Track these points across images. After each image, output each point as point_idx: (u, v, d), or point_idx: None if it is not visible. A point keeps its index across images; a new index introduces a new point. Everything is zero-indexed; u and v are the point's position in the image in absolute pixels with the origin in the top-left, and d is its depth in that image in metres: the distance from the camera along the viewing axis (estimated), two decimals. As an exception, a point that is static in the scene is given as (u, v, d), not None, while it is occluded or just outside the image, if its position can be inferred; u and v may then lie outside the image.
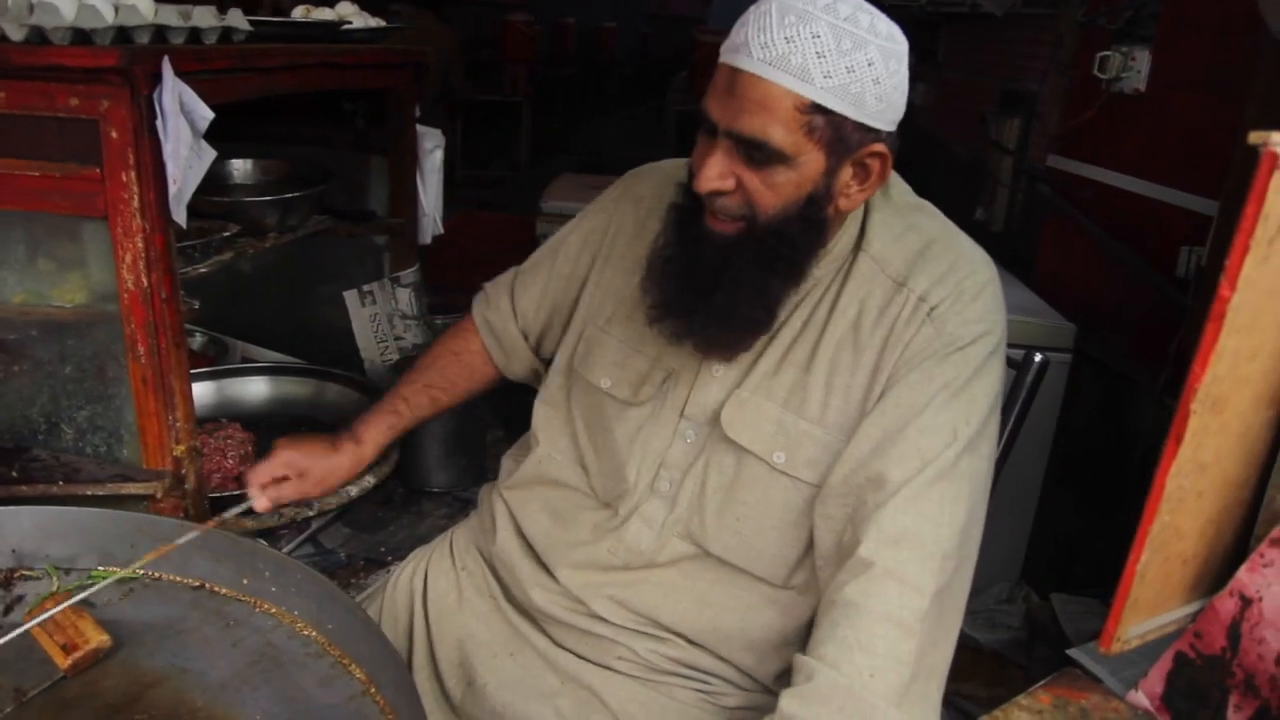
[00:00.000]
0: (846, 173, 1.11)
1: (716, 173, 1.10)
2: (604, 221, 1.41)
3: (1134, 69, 2.81)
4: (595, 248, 1.40)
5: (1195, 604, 1.04)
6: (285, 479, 1.40)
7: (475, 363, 1.55)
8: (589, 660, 1.29)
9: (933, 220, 1.23)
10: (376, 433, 1.47)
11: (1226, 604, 0.99)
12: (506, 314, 1.50)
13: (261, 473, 1.38)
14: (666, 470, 1.27)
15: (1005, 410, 1.54)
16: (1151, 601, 0.98)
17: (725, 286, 1.14)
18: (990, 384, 1.15)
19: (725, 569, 1.25)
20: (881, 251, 1.18)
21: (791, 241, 1.12)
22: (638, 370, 1.29)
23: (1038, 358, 1.52)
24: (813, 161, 1.08)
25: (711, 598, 1.25)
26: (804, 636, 1.23)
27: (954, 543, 1.10)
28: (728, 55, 1.08)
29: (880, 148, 1.11)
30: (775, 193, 1.10)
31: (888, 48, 1.06)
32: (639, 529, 1.27)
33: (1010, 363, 1.58)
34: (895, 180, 1.25)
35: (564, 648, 1.31)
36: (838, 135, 1.07)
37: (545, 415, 1.41)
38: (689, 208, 1.18)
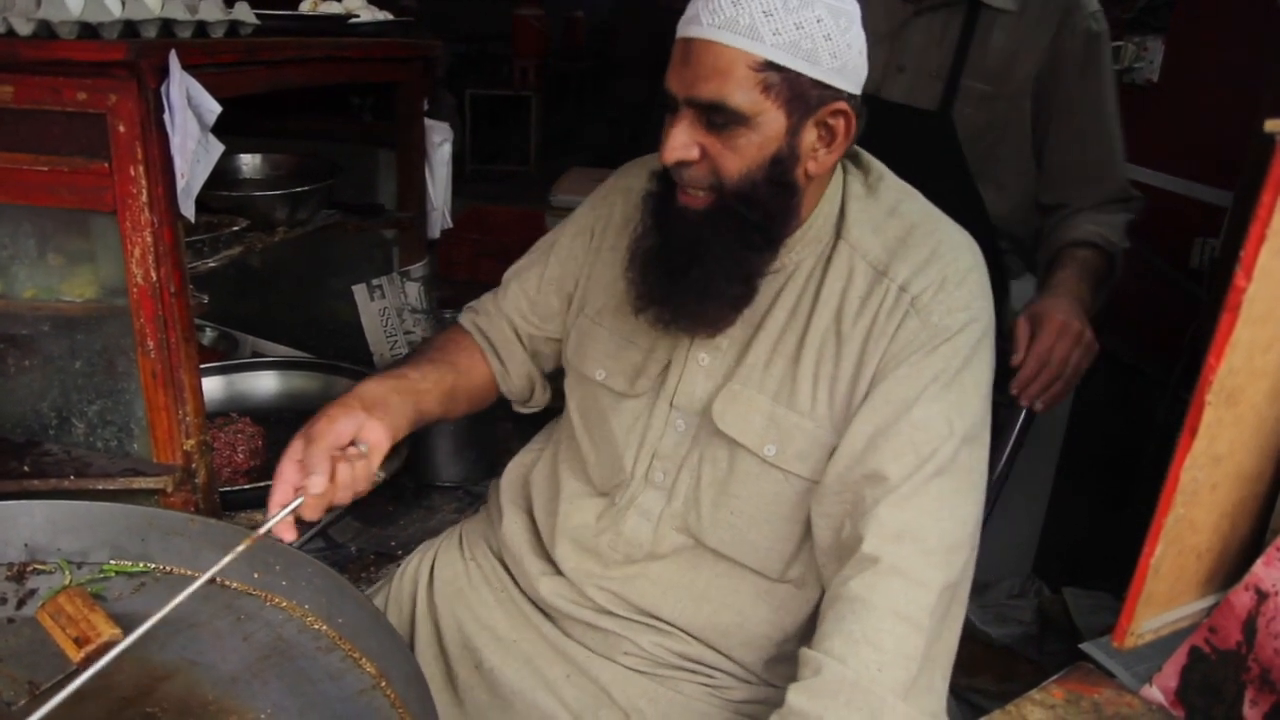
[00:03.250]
0: (810, 134, 1.11)
1: (680, 143, 1.10)
2: (593, 217, 1.41)
3: (1147, 59, 2.80)
4: (587, 242, 1.40)
5: (1210, 598, 1.04)
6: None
7: (473, 364, 1.44)
8: (596, 653, 1.29)
9: (914, 205, 1.22)
10: (368, 380, 1.28)
11: (1242, 598, 0.98)
12: (498, 318, 1.46)
13: (279, 491, 1.12)
14: (660, 461, 1.27)
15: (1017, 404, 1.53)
16: (1166, 595, 0.98)
17: (700, 261, 1.14)
18: (982, 372, 1.15)
19: (722, 563, 1.25)
20: (860, 239, 1.18)
21: (762, 207, 1.12)
22: (632, 362, 1.30)
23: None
24: (773, 121, 1.09)
25: (709, 593, 1.26)
26: (802, 631, 1.23)
27: (959, 535, 1.10)
28: (681, 29, 1.10)
29: (842, 105, 1.11)
30: (739, 155, 1.10)
31: (836, 6, 1.07)
32: (637, 521, 1.28)
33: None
34: (875, 165, 1.25)
35: (572, 638, 1.31)
36: (795, 93, 1.08)
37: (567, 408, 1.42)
38: (662, 192, 1.19)
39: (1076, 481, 2.78)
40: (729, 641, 1.25)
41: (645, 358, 1.29)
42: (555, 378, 1.49)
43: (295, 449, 1.14)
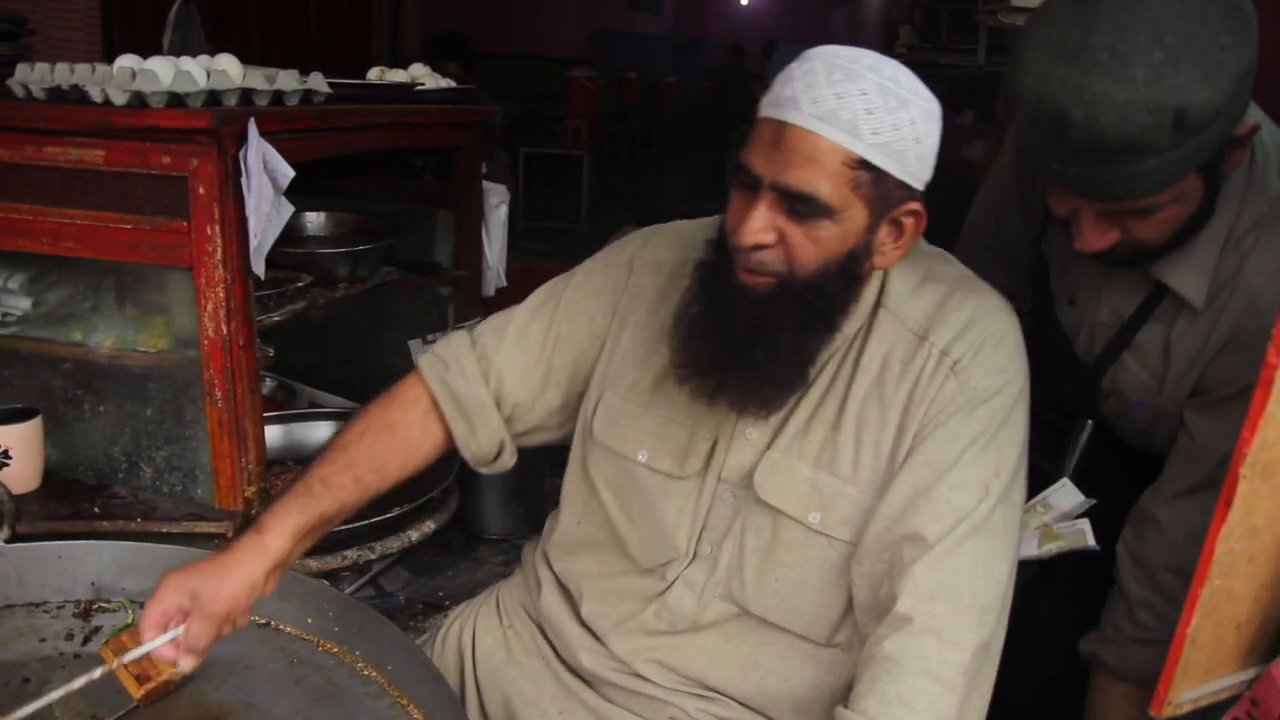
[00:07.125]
0: (884, 230, 1.12)
1: (760, 225, 1.09)
2: (617, 282, 1.34)
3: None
4: (611, 308, 1.33)
5: (1251, 670, 1.03)
6: (187, 613, 1.06)
7: (414, 437, 1.31)
8: (642, 717, 1.29)
9: (950, 269, 1.23)
10: (284, 520, 1.13)
11: (1284, 672, 0.98)
12: (475, 378, 1.32)
13: (153, 614, 1.05)
14: (708, 533, 1.26)
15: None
16: (1204, 666, 0.97)
17: (763, 344, 1.13)
18: (1018, 432, 1.15)
19: (768, 629, 1.24)
20: (900, 305, 1.18)
21: (829, 297, 1.12)
22: (678, 441, 1.26)
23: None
24: (856, 217, 1.08)
25: (756, 660, 1.25)
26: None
27: (991, 596, 1.10)
28: (773, 110, 1.08)
29: (917, 206, 1.11)
30: (818, 247, 1.09)
31: (927, 109, 1.08)
32: (681, 592, 1.26)
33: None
34: None
35: (616, 704, 1.30)
36: (881, 192, 1.08)
37: (571, 480, 1.38)
38: (718, 264, 1.17)
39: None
40: (779, 707, 1.25)
41: (691, 436, 1.25)
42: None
43: (169, 606, 1.06)
